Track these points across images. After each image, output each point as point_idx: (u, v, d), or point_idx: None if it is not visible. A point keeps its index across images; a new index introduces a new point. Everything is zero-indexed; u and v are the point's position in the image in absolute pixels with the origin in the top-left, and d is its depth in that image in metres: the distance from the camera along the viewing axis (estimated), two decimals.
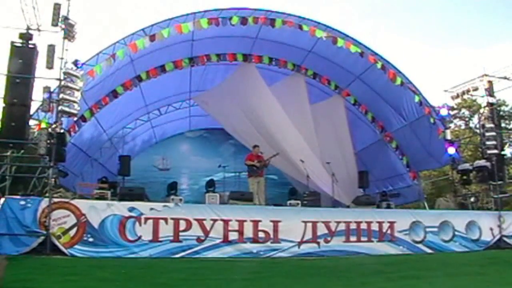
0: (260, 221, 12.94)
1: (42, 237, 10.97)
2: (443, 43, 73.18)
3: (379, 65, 16.68)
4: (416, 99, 17.34)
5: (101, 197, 12.76)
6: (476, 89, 18.04)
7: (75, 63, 12.64)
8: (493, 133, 16.84)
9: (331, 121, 19.57)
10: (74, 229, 11.29)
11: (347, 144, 19.69)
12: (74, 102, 12.51)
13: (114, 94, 16.74)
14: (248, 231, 12.76)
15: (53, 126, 12.26)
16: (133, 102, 18.60)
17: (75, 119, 14.58)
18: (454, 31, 71.43)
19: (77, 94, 12.62)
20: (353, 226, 13.83)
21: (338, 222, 13.67)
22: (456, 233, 14.89)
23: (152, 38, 14.06)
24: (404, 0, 75.29)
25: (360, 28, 79.12)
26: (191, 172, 23.63)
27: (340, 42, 16.09)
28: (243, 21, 15.12)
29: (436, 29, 73.34)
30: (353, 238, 13.75)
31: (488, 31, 68.40)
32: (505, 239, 15.50)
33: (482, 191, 18.49)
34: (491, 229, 15.45)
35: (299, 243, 13.12)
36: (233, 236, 12.59)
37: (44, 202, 11.21)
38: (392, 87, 17.53)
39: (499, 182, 16.70)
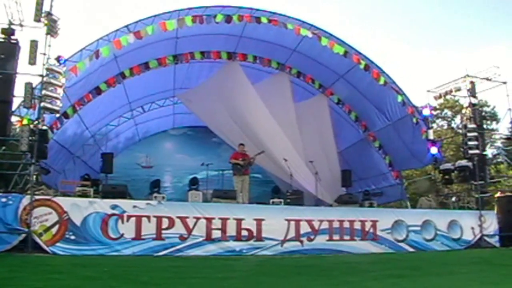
0: (243, 219, 12.97)
1: (23, 235, 10.88)
2: (429, 46, 73.72)
3: (362, 65, 16.75)
4: (399, 99, 17.45)
5: (84, 195, 12.61)
6: (458, 89, 18.21)
7: (58, 59, 12.49)
8: (475, 134, 16.99)
9: (314, 120, 19.61)
10: (56, 227, 11.21)
11: (330, 143, 19.75)
12: (57, 98, 12.38)
13: (98, 91, 16.64)
14: (231, 229, 12.78)
15: (35, 122, 12.12)
16: (116, 99, 18.49)
17: (58, 115, 14.46)
18: (441, 34, 71.92)
19: (60, 91, 12.48)
20: (336, 224, 13.92)
21: (321, 221, 13.75)
22: (438, 232, 15.04)
23: (137, 35, 13.96)
24: (393, 4, 75.63)
25: (349, 30, 79.41)
26: (174, 170, 23.54)
27: (324, 41, 16.13)
28: (228, 19, 15.08)
29: (424, 32, 73.89)
30: (336, 237, 13.84)
31: (475, 35, 69.03)
32: (486, 238, 15.68)
33: (464, 191, 18.66)
34: (472, 228, 15.63)
35: (283, 242, 13.16)
36: (216, 234, 12.61)
37: (26, 200, 11.10)
38: (376, 87, 17.63)
39: (481, 182, 16.83)
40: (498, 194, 18.16)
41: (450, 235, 15.25)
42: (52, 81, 12.23)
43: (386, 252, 14.12)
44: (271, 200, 14.85)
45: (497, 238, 15.96)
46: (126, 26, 14.24)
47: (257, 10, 15.61)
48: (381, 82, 17.03)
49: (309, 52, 18.03)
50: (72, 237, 11.28)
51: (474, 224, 15.70)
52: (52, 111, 12.55)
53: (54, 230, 11.18)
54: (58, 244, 11.12)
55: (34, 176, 11.75)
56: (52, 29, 12.20)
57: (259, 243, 12.92)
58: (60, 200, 11.54)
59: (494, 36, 66.71)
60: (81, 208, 11.55)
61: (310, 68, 19.18)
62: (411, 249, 14.52)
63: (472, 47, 68.35)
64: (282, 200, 14.78)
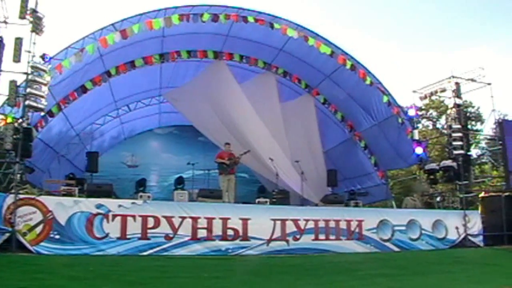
0: (229, 218, 12.95)
1: (7, 234, 10.77)
2: (416, 46, 74.17)
3: (349, 65, 16.81)
4: (385, 99, 17.52)
5: (68, 194, 12.50)
6: (443, 90, 18.35)
7: (43, 57, 12.41)
8: (460, 134, 17.12)
9: (301, 120, 19.65)
10: (41, 226, 11.10)
11: (316, 143, 19.81)
12: (42, 96, 12.29)
13: (83, 89, 16.53)
14: (217, 229, 12.75)
15: (20, 121, 12.02)
16: (102, 98, 18.37)
17: (43, 114, 14.35)
18: (428, 34, 72.43)
19: (45, 89, 12.40)
20: (321, 224, 13.95)
21: (307, 220, 13.78)
22: (423, 231, 15.15)
23: (123, 33, 13.88)
24: (378, 4, 75.96)
25: (337, 29, 79.71)
26: (160, 169, 23.47)
27: (311, 41, 16.16)
28: (215, 18, 15.04)
29: (411, 32, 74.36)
30: (321, 236, 13.87)
31: (462, 35, 69.59)
32: (470, 237, 15.80)
33: (448, 191, 18.79)
34: (457, 228, 15.75)
35: (268, 241, 13.16)
36: (201, 233, 12.57)
37: (10, 199, 11.00)
38: (362, 87, 17.70)
39: (465, 182, 17.01)
40: (482, 194, 18.34)
41: (435, 234, 15.36)
42: (37, 79, 12.15)
43: (372, 251, 14.20)
44: (257, 200, 14.88)
45: (481, 237, 16.10)
46: (112, 24, 14.15)
47: (244, 9, 15.60)
48: (367, 82, 17.10)
49: (296, 52, 18.05)
50: (57, 237, 11.18)
51: (459, 224, 15.82)
52: (36, 109, 12.46)
53: (38, 229, 11.08)
54: (42, 243, 11.02)
55: (18, 175, 11.63)
56: (37, 27, 12.10)
57: (245, 243, 12.91)
58: (44, 199, 11.43)
59: (480, 36, 67.38)
60: (65, 208, 11.46)
61: (296, 68, 19.21)
62: (396, 249, 14.60)
63: (459, 47, 68.91)
64: (268, 200, 14.80)
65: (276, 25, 15.67)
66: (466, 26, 70.02)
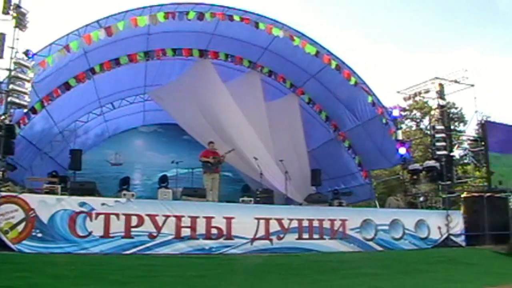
0: (213, 217, 12.89)
1: None
2: (402, 47, 74.61)
3: (334, 65, 16.85)
4: (369, 99, 17.60)
5: (51, 192, 12.42)
6: (427, 91, 18.53)
7: (27, 53, 12.28)
8: (443, 135, 17.31)
9: (285, 119, 19.66)
10: (22, 224, 10.96)
11: (300, 142, 19.84)
12: (25, 93, 12.19)
13: (67, 86, 16.36)
14: (201, 228, 12.69)
15: (2, 117, 11.89)
16: (86, 95, 18.21)
17: (25, 111, 14.20)
18: (415, 35, 72.93)
19: (28, 85, 12.30)
20: (305, 223, 13.96)
21: (291, 220, 13.78)
22: (406, 231, 15.25)
23: (108, 30, 13.78)
24: (366, 5, 76.30)
25: (323, 29, 79.85)
26: (144, 167, 23.39)
27: (296, 41, 16.17)
28: (200, 16, 14.98)
29: (398, 33, 74.80)
30: (305, 236, 13.89)
31: (448, 36, 70.14)
32: (452, 237, 15.96)
33: (431, 191, 18.93)
34: (439, 227, 15.90)
35: (252, 240, 13.14)
36: (185, 232, 12.50)
37: None
38: (347, 87, 17.74)
39: (448, 182, 17.14)
40: (464, 194, 18.50)
41: (418, 234, 15.48)
42: (20, 75, 12.03)
43: (355, 251, 14.25)
44: (241, 199, 14.88)
45: (463, 237, 16.28)
46: (97, 21, 14.02)
47: (230, 8, 15.56)
48: (352, 82, 17.14)
49: (281, 51, 18.05)
50: (39, 235, 11.06)
51: (441, 224, 15.97)
52: (19, 106, 12.33)
53: (20, 227, 10.94)
54: (24, 242, 10.89)
55: (0, 173, 11.51)
56: (20, 22, 11.99)
57: (229, 242, 12.88)
58: (26, 197, 11.29)
59: (465, 38, 67.96)
60: (48, 205, 11.33)
61: (281, 67, 19.22)
62: (379, 248, 14.68)
63: (444, 49, 69.45)
64: (252, 199, 14.82)
65: (261, 25, 15.66)
66: (460, 27, 70.62)
